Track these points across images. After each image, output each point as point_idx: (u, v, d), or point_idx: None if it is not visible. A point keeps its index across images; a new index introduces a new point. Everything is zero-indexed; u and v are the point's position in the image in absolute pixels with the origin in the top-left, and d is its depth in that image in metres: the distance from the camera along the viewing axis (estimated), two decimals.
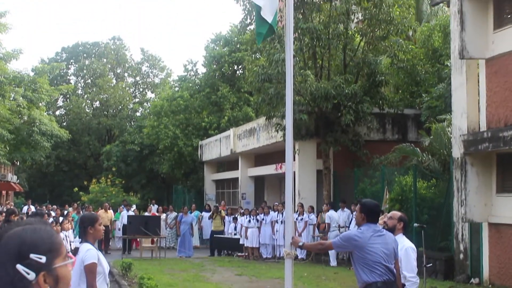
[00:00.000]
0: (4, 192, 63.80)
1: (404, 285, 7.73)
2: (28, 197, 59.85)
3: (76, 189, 53.86)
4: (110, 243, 30.33)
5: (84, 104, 71.70)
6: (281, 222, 23.93)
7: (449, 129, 18.97)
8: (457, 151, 16.12)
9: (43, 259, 2.37)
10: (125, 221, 28.94)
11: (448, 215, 18.53)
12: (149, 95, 74.13)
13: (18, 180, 66.75)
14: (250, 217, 26.04)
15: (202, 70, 52.21)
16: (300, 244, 8.34)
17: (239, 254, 26.70)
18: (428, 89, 25.64)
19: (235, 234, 27.48)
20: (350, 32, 25.99)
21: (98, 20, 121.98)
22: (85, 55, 73.89)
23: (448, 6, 17.94)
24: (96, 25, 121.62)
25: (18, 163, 58.35)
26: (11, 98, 43.65)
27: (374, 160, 24.36)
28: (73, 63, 73.88)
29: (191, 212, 30.11)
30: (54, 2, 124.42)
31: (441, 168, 20.67)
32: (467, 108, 15.97)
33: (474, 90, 16.19)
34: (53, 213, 25.38)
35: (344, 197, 24.89)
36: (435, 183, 20.91)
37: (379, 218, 7.78)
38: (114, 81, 73.56)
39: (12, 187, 63.55)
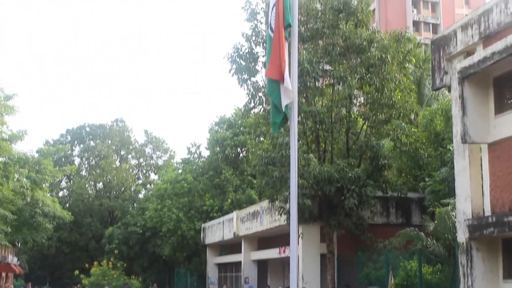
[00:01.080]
0: (4, 274, 62.97)
1: None
2: (28, 279, 59.12)
3: (77, 272, 53.18)
4: None
5: (87, 185, 71.77)
6: None
7: (453, 213, 18.84)
8: (462, 235, 15.95)
9: None
10: None
11: None
12: (152, 176, 74.31)
13: (19, 262, 66.05)
14: None
15: (205, 153, 52.56)
16: None
17: None
18: (431, 172, 25.65)
19: None
20: (352, 116, 26.24)
21: (103, 102, 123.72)
22: (90, 136, 74.57)
23: (449, 91, 18.17)
24: (101, 107, 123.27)
25: (19, 245, 57.86)
26: (15, 179, 43.77)
27: (378, 244, 24.10)
28: (77, 145, 74.46)
29: None
30: (60, 84, 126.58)
31: (446, 253, 20.41)
32: (471, 193, 15.90)
33: (477, 174, 16.17)
34: None
35: (348, 281, 24.49)
36: (440, 268, 20.60)
37: None
38: (117, 162, 73.93)
39: (12, 269, 62.80)
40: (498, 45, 14.64)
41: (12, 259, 62.76)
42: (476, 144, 16.25)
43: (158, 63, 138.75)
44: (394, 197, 26.82)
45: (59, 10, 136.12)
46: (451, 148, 21.09)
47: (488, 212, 15.67)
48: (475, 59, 15.53)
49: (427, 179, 25.39)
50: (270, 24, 9.80)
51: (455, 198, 17.36)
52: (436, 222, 21.58)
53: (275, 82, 9.35)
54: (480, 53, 15.48)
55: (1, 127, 42.73)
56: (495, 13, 15.51)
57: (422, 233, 21.88)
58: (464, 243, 15.77)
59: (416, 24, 79.03)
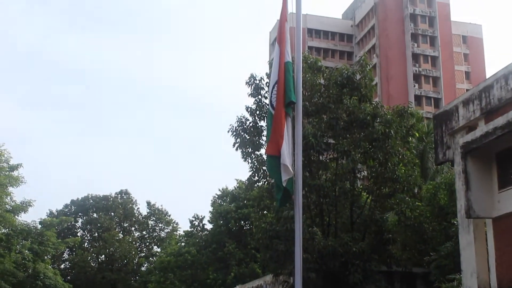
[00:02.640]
0: None
1: None
2: None
3: None
4: None
5: (89, 257, 71.10)
6: None
7: None
8: None
9: None
10: None
11: None
12: (155, 249, 73.67)
13: None
14: None
15: (208, 225, 52.31)
16: None
17: None
18: (436, 247, 25.45)
19: None
20: (356, 190, 26.27)
21: (108, 173, 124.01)
22: (93, 208, 74.42)
23: (453, 165, 18.23)
24: (105, 177, 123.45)
25: None
26: (17, 251, 43.45)
27: None
28: (81, 216, 74.23)
29: None
30: (65, 155, 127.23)
31: None
32: (477, 268, 15.74)
33: (483, 249, 16.05)
34: None
35: None
36: None
37: None
38: (120, 235, 73.47)
39: None
40: (499, 121, 14.80)
41: None
42: (481, 218, 16.20)
43: (162, 135, 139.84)
44: (399, 272, 26.53)
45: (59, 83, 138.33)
46: (455, 222, 21.00)
47: (494, 287, 15.49)
48: (477, 134, 15.68)
49: (432, 254, 25.16)
50: (271, 102, 10.03)
51: (461, 273, 17.19)
52: None
53: (275, 159, 9.50)
54: (482, 128, 15.64)
55: (5, 198, 42.74)
56: (495, 89, 15.76)
57: None
58: None
59: (418, 98, 79.93)
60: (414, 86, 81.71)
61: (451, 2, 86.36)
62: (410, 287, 27.52)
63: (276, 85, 10.00)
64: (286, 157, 9.35)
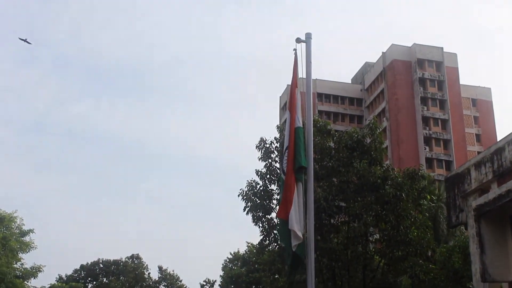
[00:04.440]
0: None
1: None
2: None
3: None
4: None
5: None
6: None
7: None
8: None
9: None
10: None
11: None
12: None
13: None
14: None
15: None
16: None
17: None
18: None
19: None
20: (369, 253, 25.99)
21: (118, 237, 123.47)
22: (104, 273, 73.86)
23: (466, 228, 18.07)
24: (116, 242, 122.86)
25: None
26: None
27: None
28: (90, 281, 73.60)
29: None
30: (75, 223, 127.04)
31: None
32: None
33: None
34: None
35: None
36: None
37: None
38: None
39: None
40: None
41: None
42: (497, 282, 15.96)
43: (173, 199, 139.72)
44: None
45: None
46: (470, 286, 20.69)
47: None
48: (490, 197, 15.58)
49: None
50: (283, 168, 10.10)
51: None
52: None
53: (286, 223, 9.51)
54: (495, 191, 15.56)
55: (15, 264, 42.55)
56: (507, 151, 15.73)
57: None
58: None
59: (429, 161, 79.82)
60: (425, 149, 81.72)
61: (459, 66, 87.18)
62: None
63: (287, 150, 10.09)
64: (294, 222, 9.36)
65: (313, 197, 10.12)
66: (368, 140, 26.45)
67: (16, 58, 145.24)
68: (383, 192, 24.51)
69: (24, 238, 43.11)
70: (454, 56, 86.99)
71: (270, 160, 26.61)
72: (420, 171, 26.24)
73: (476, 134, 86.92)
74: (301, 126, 10.20)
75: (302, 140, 10.03)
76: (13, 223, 42.51)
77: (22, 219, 42.98)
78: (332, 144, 26.73)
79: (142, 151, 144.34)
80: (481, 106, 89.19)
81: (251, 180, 26.62)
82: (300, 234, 9.31)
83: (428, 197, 27.34)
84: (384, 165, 26.87)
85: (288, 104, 10.71)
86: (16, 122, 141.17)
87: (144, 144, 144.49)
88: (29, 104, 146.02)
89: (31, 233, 43.29)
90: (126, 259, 75.72)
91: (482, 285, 16.21)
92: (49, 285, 50.60)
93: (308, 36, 10.80)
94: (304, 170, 9.87)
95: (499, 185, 15.72)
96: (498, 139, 16.34)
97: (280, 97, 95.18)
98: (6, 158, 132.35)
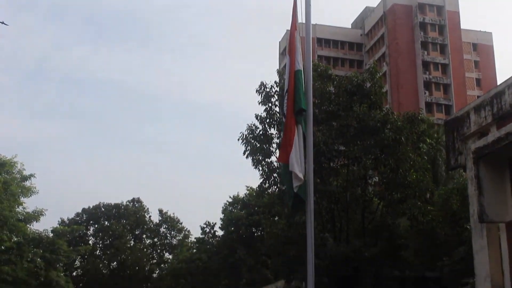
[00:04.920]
0: None
1: None
2: None
3: None
4: None
5: (101, 265, 71.30)
6: None
7: None
8: None
9: None
10: None
11: None
12: (167, 256, 73.77)
13: None
14: None
15: (219, 232, 52.45)
16: None
17: None
18: (449, 252, 25.44)
19: None
20: (368, 196, 26.30)
21: (119, 181, 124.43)
22: (105, 216, 74.68)
23: (465, 171, 18.26)
24: (116, 186, 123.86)
25: None
26: (29, 259, 43.69)
27: None
28: (92, 224, 74.48)
29: None
30: (76, 168, 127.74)
31: None
32: (490, 272, 15.71)
33: (496, 253, 16.02)
34: None
35: None
36: None
37: None
38: (132, 242, 73.65)
39: None
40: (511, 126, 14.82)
41: None
42: (494, 223, 16.21)
43: (173, 144, 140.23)
44: (411, 277, 26.49)
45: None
46: (468, 227, 21.02)
47: None
48: (489, 140, 15.71)
49: (445, 258, 25.15)
50: (283, 111, 10.15)
51: (474, 277, 17.19)
52: None
53: (287, 167, 9.62)
54: (494, 134, 15.68)
55: (17, 208, 43.06)
56: (507, 95, 15.79)
57: None
58: None
59: (428, 105, 79.73)
60: (425, 93, 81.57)
61: (460, 10, 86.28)
62: None
63: (287, 93, 10.11)
64: (294, 164, 9.46)
65: (313, 141, 10.22)
66: (368, 85, 26.47)
67: (13, 3, 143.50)
68: (382, 135, 24.67)
69: (25, 183, 43.51)
70: (455, 0, 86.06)
71: (270, 104, 26.68)
72: (420, 115, 26.34)
73: (476, 78, 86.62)
74: (301, 69, 10.20)
75: (302, 83, 10.05)
76: (13, 168, 42.84)
77: (23, 164, 43.34)
78: (332, 89, 26.76)
79: (142, 97, 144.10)
80: (482, 50, 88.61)
81: (251, 124, 26.73)
82: (301, 175, 9.43)
83: (428, 140, 27.51)
84: (384, 109, 26.96)
85: (288, 48, 10.70)
86: (15, 69, 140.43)
87: (144, 90, 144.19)
88: (27, 50, 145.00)
89: (32, 178, 43.73)
90: (127, 203, 76.44)
91: (479, 226, 16.48)
92: (52, 228, 51.15)
93: None
94: (304, 112, 9.92)
95: (498, 128, 15.84)
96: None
97: (279, 42, 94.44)
98: (6, 105, 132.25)
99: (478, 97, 17.78)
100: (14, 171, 42.96)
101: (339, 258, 23.37)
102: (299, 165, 9.51)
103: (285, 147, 9.73)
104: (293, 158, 9.48)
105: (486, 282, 16.02)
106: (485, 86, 79.65)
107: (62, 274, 51.02)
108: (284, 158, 9.68)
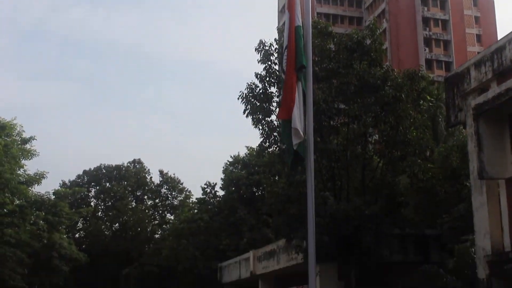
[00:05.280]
0: None
1: None
2: None
3: None
4: None
5: (103, 226, 71.85)
6: None
7: (473, 250, 18.70)
8: (482, 272, 15.82)
9: None
10: None
11: None
12: (168, 217, 74.28)
13: None
14: None
15: (220, 192, 52.72)
16: None
17: None
18: (449, 209, 25.54)
19: None
20: (368, 154, 26.29)
21: (119, 143, 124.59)
22: (106, 178, 74.96)
23: (465, 128, 18.21)
24: (117, 147, 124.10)
25: (36, 287, 57.73)
26: (32, 222, 44.00)
27: (397, 283, 23.90)
28: (94, 186, 74.81)
29: None
30: (76, 131, 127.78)
31: None
32: (490, 228, 15.81)
33: (496, 210, 16.09)
34: None
35: None
36: None
37: None
38: (133, 203, 74.09)
39: None
40: None
41: None
42: (494, 180, 16.21)
43: (173, 105, 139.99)
44: (411, 234, 26.64)
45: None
46: (468, 184, 21.05)
47: (508, 247, 15.57)
48: (490, 96, 15.63)
49: (444, 216, 25.26)
50: (283, 68, 10.03)
51: (473, 234, 17.27)
52: (455, 258, 21.40)
53: (287, 123, 9.52)
54: (494, 89, 15.58)
55: (18, 170, 43.18)
56: (508, 50, 15.64)
57: (442, 270, 21.69)
58: (485, 280, 15.65)
59: (428, 62, 79.31)
60: (425, 50, 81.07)
61: None
62: (422, 249, 27.67)
63: (286, 50, 9.97)
64: (297, 121, 9.36)
65: (313, 99, 10.12)
66: (368, 42, 26.23)
67: None
68: (382, 93, 24.53)
69: (25, 146, 43.57)
70: None
71: (269, 63, 26.45)
72: (420, 72, 26.16)
73: (476, 34, 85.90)
74: (301, 25, 10.06)
75: (302, 39, 9.91)
76: (13, 131, 42.83)
77: (22, 126, 43.32)
78: (332, 46, 26.52)
79: (141, 58, 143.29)
80: (482, 6, 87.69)
81: (250, 83, 26.57)
82: (301, 133, 9.36)
83: (428, 98, 27.39)
84: (384, 66, 26.76)
85: (287, 4, 10.52)
86: (12, 31, 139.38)
87: (143, 51, 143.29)
88: (24, 12, 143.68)
89: (32, 140, 43.76)
90: (128, 164, 76.68)
91: (479, 182, 16.50)
92: (53, 191, 51.45)
93: None
94: (303, 69, 9.80)
95: (498, 84, 15.74)
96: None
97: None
98: (3, 67, 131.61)
99: (478, 53, 17.60)
100: (14, 134, 42.97)
101: (340, 216, 23.45)
102: (300, 122, 9.44)
103: (286, 104, 9.63)
104: (295, 115, 9.39)
105: (485, 238, 16.11)
106: (486, 42, 78.98)
107: (64, 236, 51.49)
108: (284, 115, 9.59)
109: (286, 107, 9.61)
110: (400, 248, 27.39)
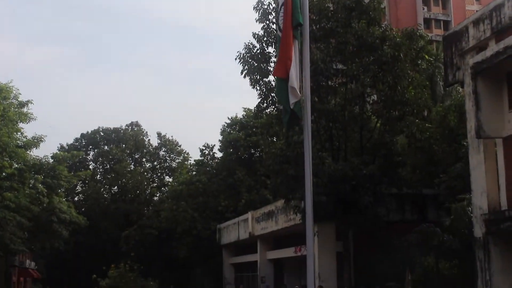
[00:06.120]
0: (22, 279, 63.39)
1: None
2: (46, 283, 59.28)
3: (94, 275, 53.31)
4: None
5: (102, 189, 72.09)
6: None
7: (469, 209, 18.81)
8: (478, 230, 15.94)
9: None
10: None
11: None
12: (167, 179, 74.48)
13: (36, 267, 66.38)
14: None
15: (218, 154, 52.78)
16: None
17: None
18: (446, 168, 25.61)
19: None
20: (366, 114, 26.23)
21: (116, 105, 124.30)
22: (104, 141, 74.95)
23: (462, 87, 18.15)
24: (114, 110, 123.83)
25: (36, 249, 58.22)
26: (31, 186, 44.04)
27: (394, 241, 24.10)
28: (92, 149, 74.84)
29: None
30: (73, 94, 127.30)
31: (463, 248, 20.36)
32: (487, 187, 15.87)
33: (493, 168, 16.14)
34: None
35: (365, 279, 24.50)
36: (457, 263, 20.56)
37: None
38: (132, 166, 74.19)
39: (30, 274, 63.18)
40: (510, 40, 14.62)
41: (30, 264, 63.14)
42: (491, 138, 16.21)
43: (170, 67, 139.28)
44: (409, 194, 26.78)
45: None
46: (465, 143, 21.06)
47: (504, 206, 15.65)
48: (488, 54, 15.53)
49: (442, 175, 25.34)
50: (279, 24, 9.88)
51: (470, 193, 17.35)
52: (452, 217, 21.54)
53: (283, 81, 9.40)
54: (493, 48, 15.48)
55: (16, 134, 43.07)
56: (506, 8, 15.49)
57: (438, 229, 21.85)
58: (481, 238, 15.76)
59: (426, 21, 78.62)
60: (423, 9, 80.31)
61: None
62: (420, 208, 27.86)
63: (283, 7, 9.79)
64: (294, 79, 9.24)
65: (311, 58, 10.01)
66: (367, 0, 25.93)
67: None
68: (381, 52, 24.34)
69: (22, 109, 43.37)
70: None
71: (267, 22, 26.16)
72: (418, 31, 25.94)
73: None
74: None
75: None
76: (10, 94, 42.58)
77: (18, 90, 43.03)
78: (330, 5, 26.22)
79: (136, 20, 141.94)
80: None
81: (248, 43, 26.35)
82: (298, 92, 9.26)
83: (426, 57, 27.21)
84: (383, 25, 26.50)
85: None
86: None
87: (138, 12, 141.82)
88: None
89: (29, 104, 43.56)
90: (126, 127, 76.61)
91: (476, 142, 16.51)
92: (51, 154, 51.38)
93: None
94: (300, 28, 9.65)
95: (497, 42, 15.64)
96: None
97: None
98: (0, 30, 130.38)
99: (477, 11, 17.42)
100: (10, 97, 42.73)
101: (337, 176, 23.49)
102: (297, 81, 9.32)
103: (282, 61, 9.47)
104: (292, 73, 9.26)
105: (482, 197, 16.18)
106: (485, 0, 78.31)
107: (64, 200, 51.65)
108: (280, 72, 9.46)
109: (282, 64, 9.47)
110: (398, 207, 27.57)
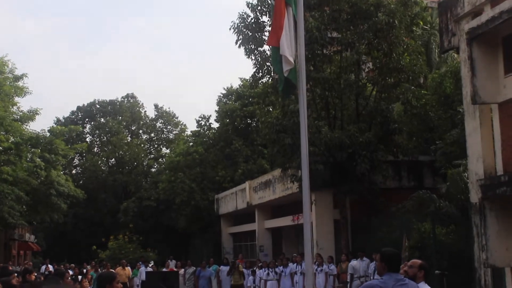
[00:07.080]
0: (22, 252, 63.85)
1: None
2: (46, 256, 59.64)
3: (94, 247, 53.70)
4: None
5: (99, 162, 72.19)
6: (300, 273, 23.76)
7: (465, 174, 18.90)
8: (474, 196, 16.01)
9: None
10: (143, 277, 28.74)
11: (469, 261, 18.28)
12: (164, 150, 74.59)
13: (36, 240, 66.83)
14: (268, 269, 25.83)
15: (215, 124, 52.77)
16: None
17: None
18: (442, 135, 25.67)
19: (254, 287, 27.22)
20: (361, 82, 26.21)
21: (112, 77, 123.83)
22: (101, 113, 74.85)
23: (458, 53, 18.11)
24: (110, 82, 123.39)
25: (35, 223, 58.50)
26: (28, 159, 44.06)
27: (391, 208, 24.26)
28: (88, 122, 74.77)
29: (209, 267, 29.83)
30: (69, 61, 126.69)
31: (460, 214, 20.51)
32: (483, 153, 15.92)
33: (488, 134, 16.16)
34: (71, 272, 25.36)
35: (362, 246, 24.70)
36: (454, 229, 20.72)
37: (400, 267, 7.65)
38: (129, 138, 74.21)
39: (30, 247, 63.67)
40: (506, 4, 14.54)
41: (30, 237, 63.57)
42: (486, 104, 16.22)
43: (164, 38, 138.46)
44: (405, 161, 26.88)
45: None
46: (461, 109, 21.08)
47: (500, 171, 15.72)
48: (483, 19, 15.45)
49: (438, 142, 25.41)
50: None
51: (466, 159, 17.40)
52: (448, 183, 21.66)
53: (276, 49, 9.38)
54: (488, 13, 15.39)
55: (12, 108, 43.00)
56: None
57: (435, 195, 21.98)
58: (477, 203, 15.84)
59: None
60: None
61: None
62: (416, 175, 27.99)
63: None
64: (285, 47, 9.20)
65: (306, 27, 9.96)
66: None
67: None
68: (375, 19, 24.22)
69: (18, 83, 43.24)
70: None
71: None
72: None
73: None
74: None
75: None
76: (5, 68, 42.42)
77: (14, 64, 42.89)
78: None
79: None
80: None
81: (242, 12, 26.21)
82: (291, 59, 9.22)
83: (421, 23, 27.10)
84: None
85: None
86: None
87: None
88: None
89: (24, 77, 43.43)
90: (122, 99, 76.48)
91: (472, 107, 16.51)
92: (48, 128, 51.29)
93: None
94: None
95: (492, 7, 15.54)
96: None
97: None
98: None
99: None
100: (5, 71, 42.58)
101: (334, 144, 23.57)
102: (290, 49, 9.28)
103: (275, 30, 9.45)
104: (283, 42, 9.21)
105: (478, 162, 16.24)
106: None
107: (61, 173, 51.71)
108: (274, 41, 9.43)
109: (275, 33, 9.44)
110: (394, 174, 27.70)
